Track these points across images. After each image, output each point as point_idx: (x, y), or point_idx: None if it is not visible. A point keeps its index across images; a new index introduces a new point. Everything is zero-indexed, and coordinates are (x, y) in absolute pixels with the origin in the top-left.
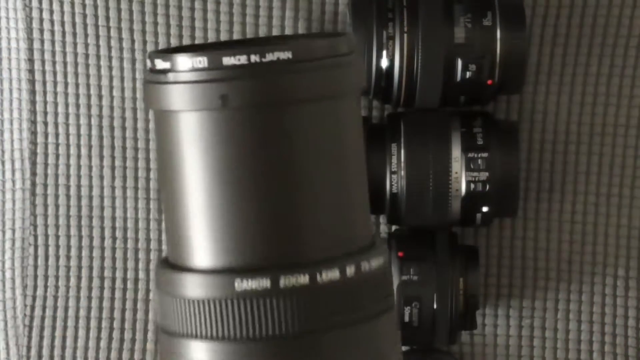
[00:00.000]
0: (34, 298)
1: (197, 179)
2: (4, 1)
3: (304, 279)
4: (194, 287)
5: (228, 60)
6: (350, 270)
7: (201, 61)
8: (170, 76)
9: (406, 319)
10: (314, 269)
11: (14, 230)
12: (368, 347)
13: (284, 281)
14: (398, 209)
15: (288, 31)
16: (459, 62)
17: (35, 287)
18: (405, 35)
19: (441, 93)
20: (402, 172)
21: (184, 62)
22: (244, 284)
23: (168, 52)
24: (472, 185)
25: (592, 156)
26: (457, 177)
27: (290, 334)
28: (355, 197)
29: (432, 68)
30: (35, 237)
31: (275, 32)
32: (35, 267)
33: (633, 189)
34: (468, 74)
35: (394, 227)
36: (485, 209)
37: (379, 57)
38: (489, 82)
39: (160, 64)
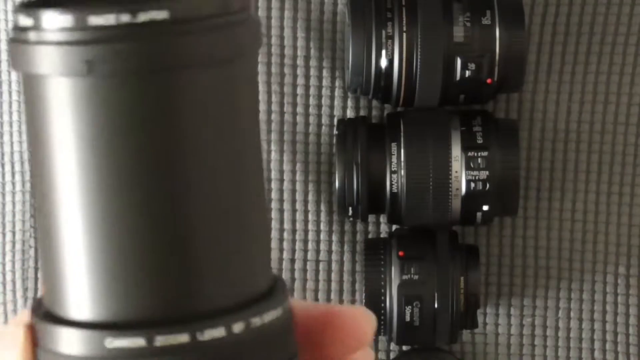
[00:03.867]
0: (34, 300)
1: (65, 185)
2: (3, 3)
3: (182, 337)
4: (64, 343)
5: (95, 20)
6: (238, 327)
7: (67, 19)
8: (34, 35)
9: (407, 318)
10: (194, 326)
11: (14, 233)
12: None
13: (161, 340)
14: (398, 209)
15: (287, 32)
16: (458, 61)
17: (35, 290)
18: (404, 34)
19: (440, 92)
20: (402, 172)
21: (50, 19)
22: (116, 342)
23: (37, 5)
24: (472, 184)
25: (592, 154)
26: (457, 176)
27: None
28: (254, 221)
29: (432, 67)
30: (36, 239)
31: (275, 32)
32: (36, 269)
33: (633, 187)
34: (467, 73)
35: (394, 227)
36: (485, 207)
37: (378, 56)
38: (489, 80)
39: (24, 21)
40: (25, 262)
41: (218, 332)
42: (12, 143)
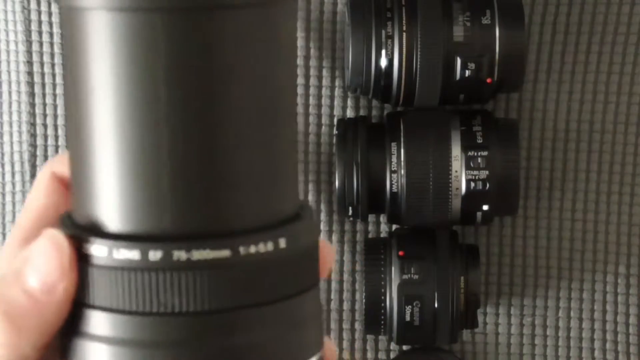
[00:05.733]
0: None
1: (103, 112)
2: (2, 4)
3: (221, 253)
4: (100, 254)
5: None
6: (271, 246)
7: None
8: None
9: (407, 318)
10: (232, 242)
11: None
12: (284, 327)
13: (195, 255)
14: (398, 208)
15: None
16: (458, 61)
17: None
18: (404, 34)
19: (440, 92)
20: (402, 171)
21: None
22: (155, 254)
23: None
24: (472, 184)
25: (591, 154)
26: (457, 176)
27: (201, 311)
28: (286, 153)
29: (432, 67)
30: None
31: None
32: None
33: (633, 186)
34: (467, 73)
35: (394, 227)
36: (485, 207)
37: (378, 56)
38: (488, 80)
39: None
40: None
41: (255, 249)
42: (12, 143)
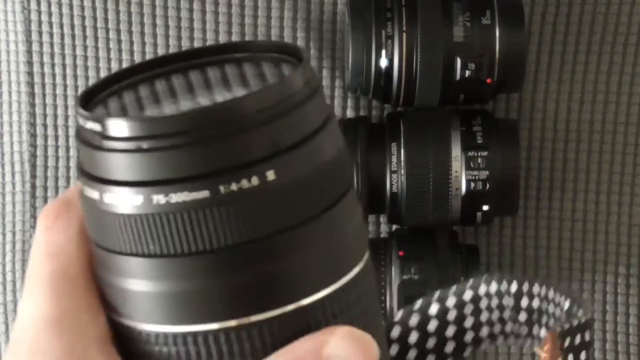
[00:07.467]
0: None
1: None
2: (2, 4)
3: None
4: (119, 202)
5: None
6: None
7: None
8: (101, 141)
9: None
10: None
11: (14, 233)
12: (330, 237)
13: (223, 189)
14: (398, 209)
15: (287, 32)
16: (458, 61)
17: None
18: (404, 34)
19: (440, 92)
20: (402, 172)
21: (118, 127)
22: (177, 197)
23: (99, 96)
24: (472, 184)
25: (592, 154)
26: (457, 176)
27: (236, 243)
28: None
29: (432, 67)
30: None
31: (275, 32)
32: None
33: (633, 187)
34: (467, 73)
35: (394, 227)
36: (485, 207)
37: (378, 56)
38: (488, 80)
39: (86, 122)
40: (25, 262)
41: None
42: (12, 143)
